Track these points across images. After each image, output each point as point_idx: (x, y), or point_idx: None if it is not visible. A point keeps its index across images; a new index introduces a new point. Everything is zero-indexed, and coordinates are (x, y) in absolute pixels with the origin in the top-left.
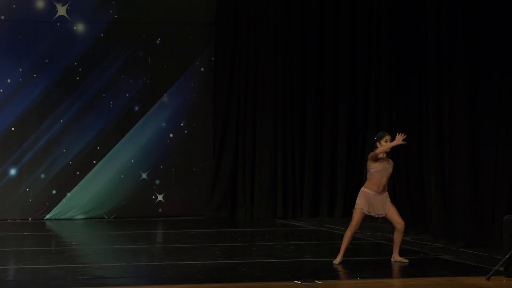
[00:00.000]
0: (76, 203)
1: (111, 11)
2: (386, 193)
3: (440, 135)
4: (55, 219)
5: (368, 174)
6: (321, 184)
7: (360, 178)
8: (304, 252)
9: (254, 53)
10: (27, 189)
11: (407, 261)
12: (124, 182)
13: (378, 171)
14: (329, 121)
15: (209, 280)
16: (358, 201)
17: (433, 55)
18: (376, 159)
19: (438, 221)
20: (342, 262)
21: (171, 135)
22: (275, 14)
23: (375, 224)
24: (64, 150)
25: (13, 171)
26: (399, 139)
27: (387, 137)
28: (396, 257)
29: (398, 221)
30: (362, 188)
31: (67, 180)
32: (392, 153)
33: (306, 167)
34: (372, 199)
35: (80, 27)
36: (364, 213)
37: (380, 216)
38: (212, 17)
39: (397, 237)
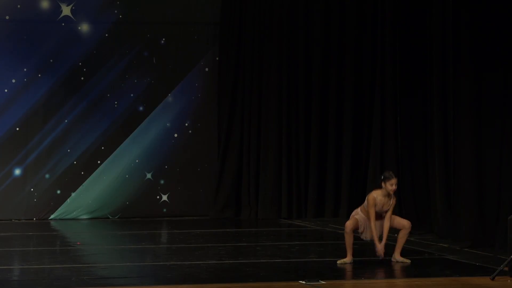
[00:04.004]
0: (81, 203)
1: (115, 11)
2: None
3: (444, 136)
4: (59, 219)
5: (365, 204)
6: (325, 184)
7: (364, 178)
8: (308, 252)
9: (259, 53)
10: (32, 189)
11: (409, 261)
12: (129, 182)
13: (377, 210)
14: (334, 121)
15: (214, 280)
16: (353, 213)
17: (437, 56)
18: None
19: (442, 221)
20: (347, 262)
21: (175, 135)
22: (279, 15)
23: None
24: (68, 150)
25: (17, 171)
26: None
27: (393, 180)
28: (397, 257)
29: (403, 222)
30: (358, 210)
31: (72, 180)
32: (396, 154)
33: (310, 167)
34: (366, 223)
35: (84, 27)
36: (357, 224)
37: (368, 240)
38: (217, 17)
39: (402, 236)
